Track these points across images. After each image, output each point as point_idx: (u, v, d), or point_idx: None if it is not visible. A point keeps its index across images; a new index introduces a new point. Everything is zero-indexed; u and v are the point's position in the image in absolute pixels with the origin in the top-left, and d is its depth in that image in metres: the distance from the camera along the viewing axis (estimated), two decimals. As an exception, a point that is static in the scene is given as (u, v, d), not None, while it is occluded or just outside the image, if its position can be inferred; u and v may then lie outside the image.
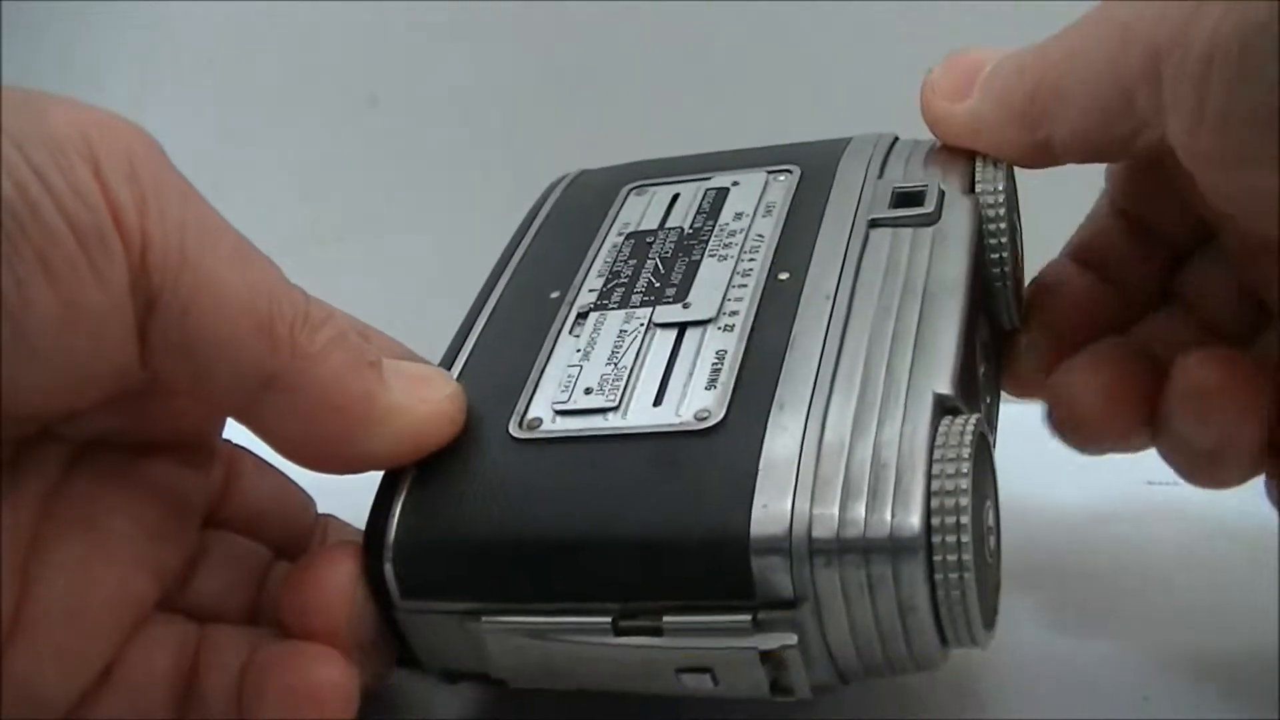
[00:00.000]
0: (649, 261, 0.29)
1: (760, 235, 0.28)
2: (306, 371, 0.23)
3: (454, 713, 0.28)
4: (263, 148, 0.64)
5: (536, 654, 0.24)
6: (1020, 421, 0.29)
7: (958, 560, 0.22)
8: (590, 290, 0.28)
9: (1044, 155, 0.28)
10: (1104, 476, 0.28)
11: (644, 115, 0.60)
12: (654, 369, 0.26)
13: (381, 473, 0.25)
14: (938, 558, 0.22)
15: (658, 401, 0.25)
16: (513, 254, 0.31)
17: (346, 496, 0.26)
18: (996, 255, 0.28)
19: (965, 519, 0.22)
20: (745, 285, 0.27)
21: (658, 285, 0.28)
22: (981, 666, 0.28)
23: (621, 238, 0.30)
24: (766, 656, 0.23)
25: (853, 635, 0.23)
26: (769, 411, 0.24)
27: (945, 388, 0.24)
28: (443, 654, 0.25)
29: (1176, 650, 0.29)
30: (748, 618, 0.22)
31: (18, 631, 0.23)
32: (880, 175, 0.30)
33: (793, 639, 0.22)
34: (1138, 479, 0.28)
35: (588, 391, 0.25)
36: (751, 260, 0.28)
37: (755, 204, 0.30)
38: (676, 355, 0.26)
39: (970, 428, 0.23)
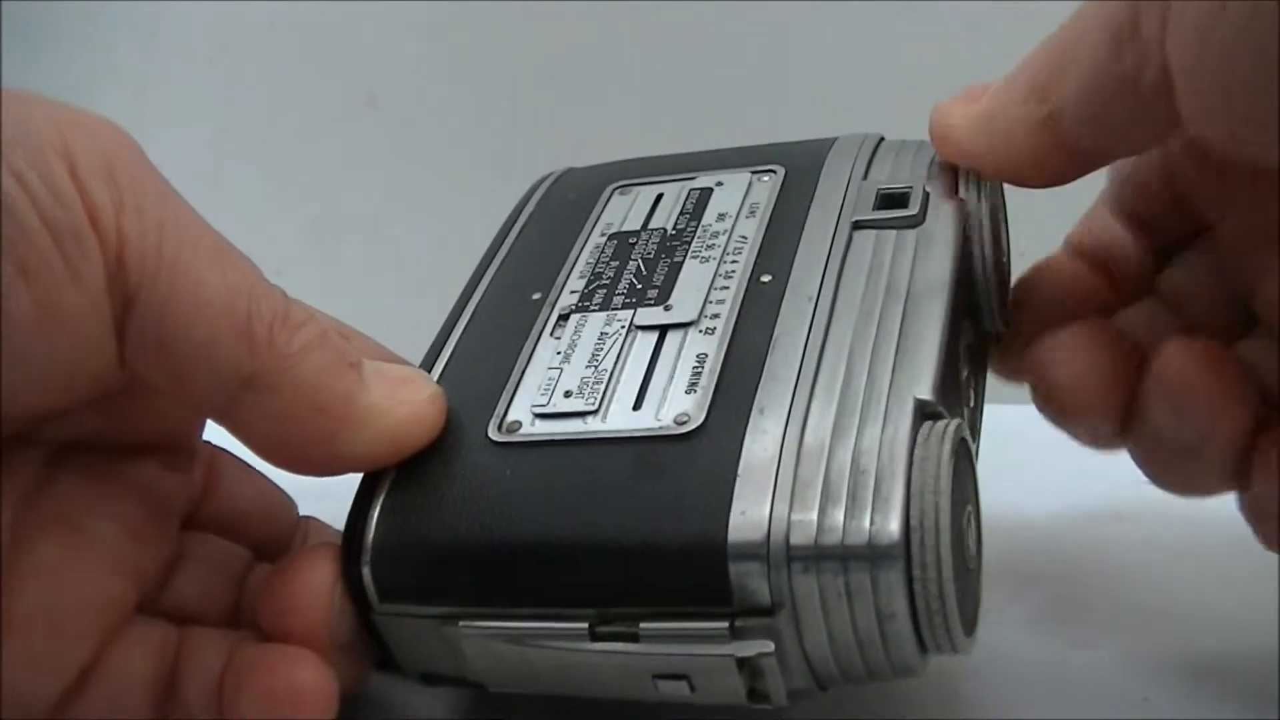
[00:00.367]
0: (631, 263, 0.28)
1: (743, 237, 0.28)
2: (285, 372, 0.23)
3: (434, 714, 0.28)
4: (262, 147, 0.64)
5: (514, 659, 0.24)
6: (1020, 422, 0.29)
7: (937, 568, 0.21)
8: (572, 291, 0.28)
9: (1053, 135, 0.26)
10: (1104, 476, 0.28)
11: (643, 114, 0.59)
12: (634, 372, 0.25)
13: (361, 475, 0.25)
14: (916, 565, 0.21)
15: (637, 405, 0.24)
16: (495, 253, 0.30)
17: (332, 499, 0.26)
18: (980, 258, 0.28)
19: (944, 526, 0.21)
20: (727, 288, 0.27)
21: (639, 287, 0.27)
22: (981, 667, 0.27)
23: (604, 238, 0.29)
24: (743, 664, 0.22)
25: (830, 642, 0.22)
26: (749, 416, 0.23)
27: (926, 393, 0.23)
28: (421, 657, 0.25)
29: (1176, 651, 0.28)
30: (725, 625, 0.22)
31: None
32: (865, 176, 0.29)
33: (770, 646, 0.22)
34: (1138, 479, 0.28)
35: (567, 395, 0.25)
36: (734, 262, 0.27)
37: (739, 205, 0.29)
38: (657, 358, 0.25)
39: (951, 433, 0.23)
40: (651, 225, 0.29)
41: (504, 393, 0.26)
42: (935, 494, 0.22)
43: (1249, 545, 0.26)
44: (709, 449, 0.23)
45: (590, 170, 0.33)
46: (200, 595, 0.26)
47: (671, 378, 0.25)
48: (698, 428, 0.24)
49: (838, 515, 0.22)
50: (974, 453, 0.25)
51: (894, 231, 0.27)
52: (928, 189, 0.28)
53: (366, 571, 0.24)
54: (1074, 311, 0.29)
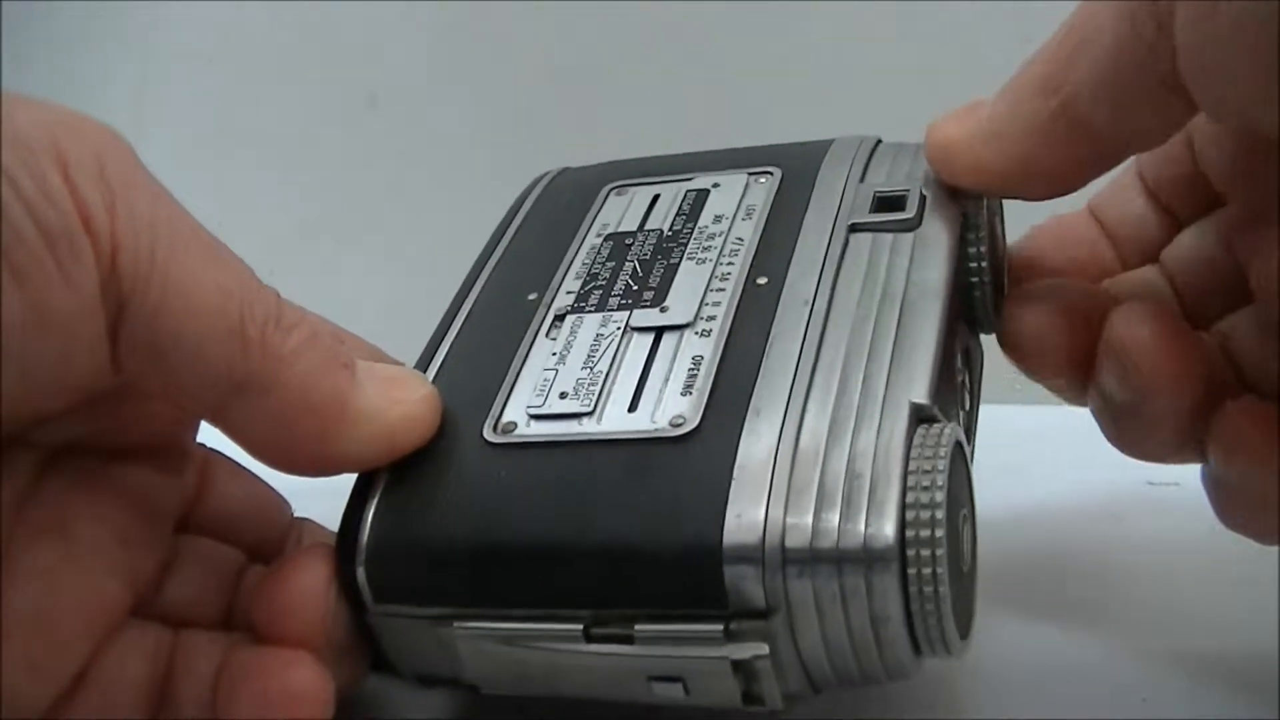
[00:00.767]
0: (627, 264, 0.28)
1: (740, 239, 0.28)
2: (279, 373, 0.22)
3: (429, 715, 0.27)
4: (262, 148, 0.64)
5: (508, 660, 0.24)
6: (1021, 422, 0.29)
7: (932, 572, 0.21)
8: (568, 292, 0.28)
9: (1068, 127, 0.25)
10: (1104, 476, 0.28)
11: (644, 115, 0.59)
12: (630, 374, 0.25)
13: (355, 475, 0.25)
14: (912, 569, 0.21)
15: (633, 407, 0.24)
16: (491, 253, 0.30)
17: (327, 500, 0.25)
18: (977, 262, 0.28)
19: (940, 530, 0.21)
20: (723, 289, 0.26)
21: (635, 288, 0.27)
22: (980, 668, 0.27)
23: (600, 239, 0.29)
24: (738, 666, 0.22)
25: (825, 645, 0.22)
26: (744, 418, 0.23)
27: (922, 397, 0.23)
28: (415, 658, 0.25)
29: (1176, 650, 0.28)
30: (719, 627, 0.22)
31: None
32: (862, 179, 0.29)
33: (765, 649, 0.22)
34: (1138, 479, 0.28)
35: (563, 396, 0.25)
36: (730, 264, 0.27)
37: (735, 207, 0.29)
38: (653, 360, 0.25)
39: (946, 437, 0.22)
40: (648, 226, 0.29)
41: (499, 394, 0.25)
42: (931, 498, 0.21)
43: (1249, 545, 0.26)
44: (704, 451, 0.23)
45: (586, 170, 0.33)
46: (194, 598, 0.26)
47: (667, 380, 0.25)
48: (693, 430, 0.23)
49: (833, 518, 0.21)
50: (970, 456, 0.25)
51: (890, 235, 0.27)
52: (924, 192, 0.27)
53: (361, 572, 0.24)
54: (1075, 269, 0.29)
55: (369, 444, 0.24)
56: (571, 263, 0.29)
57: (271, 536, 0.28)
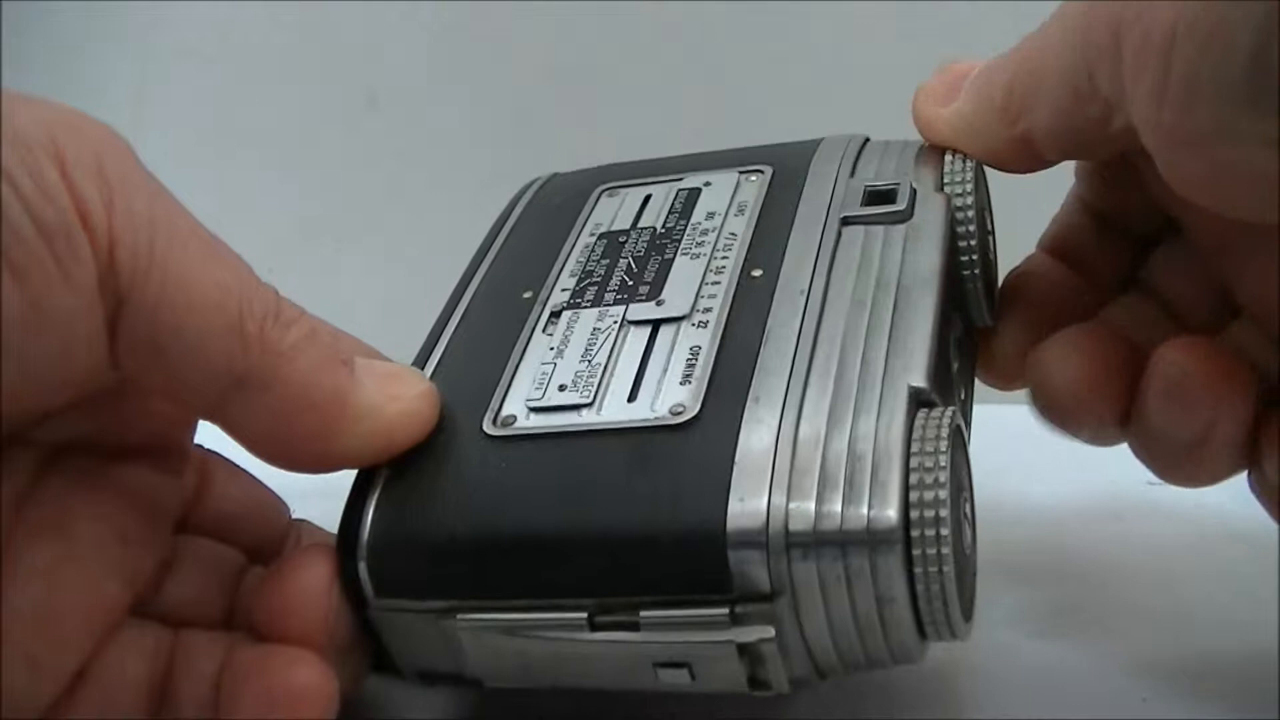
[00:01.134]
0: (622, 260, 0.28)
1: (733, 234, 0.28)
2: (278, 369, 0.22)
3: (431, 715, 0.27)
4: (262, 148, 0.64)
5: (512, 651, 0.23)
6: (1020, 421, 0.29)
7: (937, 553, 0.21)
8: (563, 289, 0.28)
9: (1027, 151, 0.27)
10: (1104, 476, 0.27)
11: (644, 116, 0.59)
12: (628, 365, 0.25)
13: (355, 472, 0.24)
14: (916, 550, 0.21)
15: (632, 397, 0.24)
16: (485, 255, 0.30)
17: (329, 499, 0.25)
18: (968, 251, 0.28)
19: (944, 511, 0.21)
20: (718, 283, 0.26)
21: (631, 284, 0.27)
22: (980, 667, 0.27)
23: (594, 238, 0.29)
24: (744, 650, 0.22)
25: (830, 628, 0.22)
26: (744, 405, 0.23)
27: (921, 381, 0.23)
28: (418, 654, 0.25)
29: (1175, 651, 0.28)
30: (725, 611, 0.22)
31: None
32: (852, 174, 0.29)
33: (770, 632, 0.22)
34: (1138, 479, 0.28)
35: (562, 388, 0.25)
36: (724, 258, 0.27)
37: (727, 203, 0.29)
38: (650, 351, 0.25)
39: (947, 420, 0.22)
40: (641, 224, 0.29)
41: (498, 388, 0.25)
42: (935, 480, 0.21)
43: (1249, 545, 0.26)
44: (705, 439, 0.23)
45: (577, 174, 0.33)
46: (194, 598, 0.26)
47: (666, 370, 0.24)
48: (693, 418, 0.23)
49: (836, 502, 0.21)
50: (967, 441, 0.24)
51: (882, 227, 0.27)
52: (914, 185, 0.27)
53: (362, 567, 0.24)
54: (1059, 313, 0.29)
55: (368, 440, 0.23)
56: (566, 261, 0.28)
57: (270, 538, 0.28)
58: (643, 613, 0.22)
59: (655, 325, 0.26)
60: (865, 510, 0.21)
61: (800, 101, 0.55)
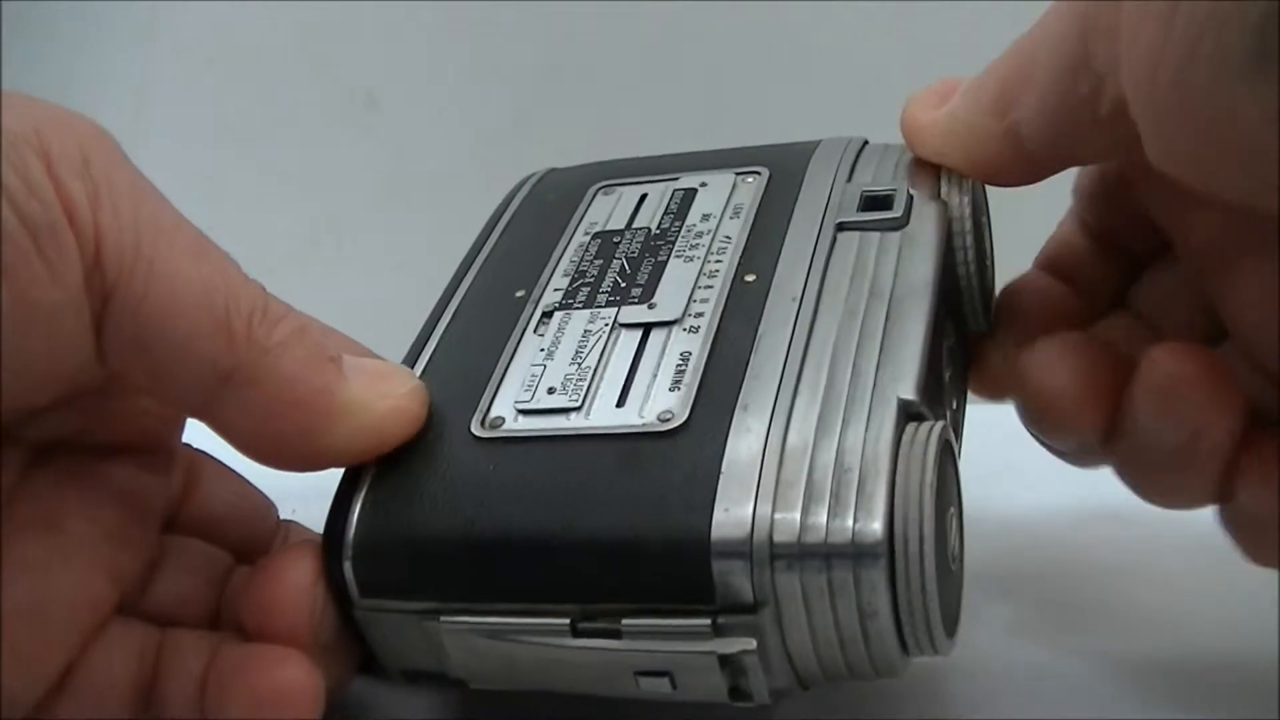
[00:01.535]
0: (615, 261, 0.28)
1: (727, 237, 0.27)
2: (265, 366, 0.22)
3: (415, 714, 0.27)
4: (262, 148, 0.63)
5: (495, 654, 0.23)
6: (1017, 422, 0.28)
7: (920, 568, 0.21)
8: (555, 289, 0.27)
9: (1015, 147, 0.26)
10: (1104, 476, 0.27)
11: (643, 115, 0.59)
12: (618, 369, 0.25)
13: (342, 471, 0.24)
14: (900, 565, 0.21)
15: (621, 402, 0.24)
16: (478, 253, 0.30)
17: (316, 503, 0.25)
18: (963, 260, 0.28)
19: (928, 526, 0.21)
20: (711, 287, 0.26)
21: (623, 285, 0.27)
22: (978, 668, 0.27)
23: (588, 237, 0.29)
24: (725, 661, 0.22)
25: (813, 641, 0.22)
26: (733, 413, 0.23)
27: (910, 393, 0.23)
28: (402, 654, 0.24)
29: (1175, 651, 0.28)
30: (707, 622, 0.21)
31: None
32: (849, 178, 0.29)
33: (752, 644, 0.21)
34: None
35: (551, 391, 0.24)
36: (718, 262, 0.27)
37: (723, 205, 0.29)
38: (641, 356, 0.25)
39: (935, 434, 0.22)
40: (635, 225, 0.29)
41: (487, 389, 0.25)
42: (920, 494, 0.21)
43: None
44: (693, 446, 0.22)
45: (573, 170, 0.32)
46: (181, 597, 0.25)
47: (655, 375, 0.24)
48: (681, 425, 0.23)
49: (821, 514, 0.21)
50: (957, 453, 0.24)
51: (878, 233, 0.26)
52: (911, 191, 0.27)
53: (348, 566, 0.23)
54: (1052, 325, 0.29)
55: (356, 438, 0.23)
56: (559, 260, 0.28)
57: (257, 538, 0.28)
58: (625, 621, 0.22)
59: (646, 329, 0.25)
60: (850, 523, 0.21)
61: (799, 101, 0.55)
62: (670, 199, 0.29)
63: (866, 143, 0.30)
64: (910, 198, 0.27)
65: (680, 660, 0.22)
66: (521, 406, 0.24)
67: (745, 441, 0.22)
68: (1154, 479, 0.26)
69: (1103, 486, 0.28)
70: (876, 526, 0.21)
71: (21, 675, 0.22)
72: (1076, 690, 0.27)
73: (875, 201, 0.27)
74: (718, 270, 0.26)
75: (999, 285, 0.31)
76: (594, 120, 0.59)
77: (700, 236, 0.28)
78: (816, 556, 0.21)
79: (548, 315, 0.26)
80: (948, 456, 0.23)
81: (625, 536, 0.22)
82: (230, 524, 0.27)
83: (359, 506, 0.24)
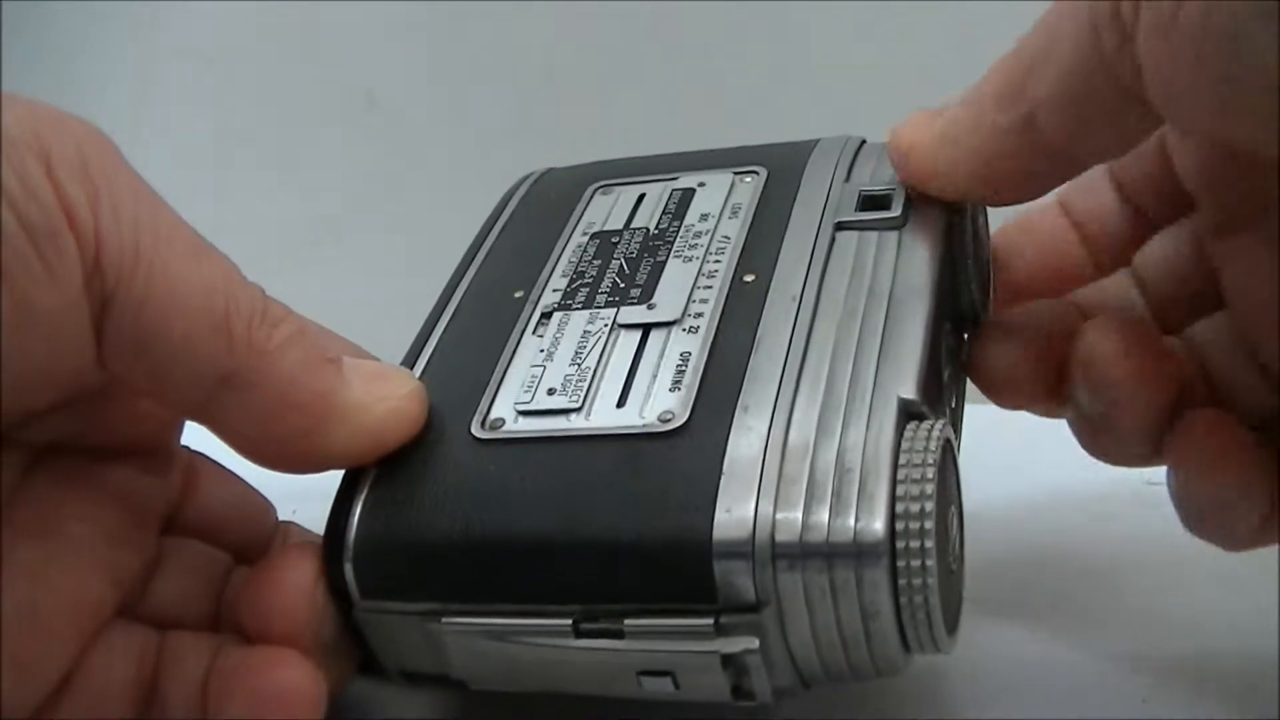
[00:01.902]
0: (614, 262, 0.27)
1: (726, 237, 0.27)
2: (264, 368, 0.22)
3: (416, 715, 0.27)
4: (262, 148, 0.63)
5: (496, 655, 0.23)
6: (1016, 419, 0.28)
7: (921, 566, 0.21)
8: (554, 290, 0.27)
9: (1028, 141, 0.24)
10: (1102, 475, 0.27)
11: (643, 115, 0.59)
12: (618, 370, 0.24)
13: (342, 472, 0.24)
14: (901, 564, 0.21)
15: (621, 403, 0.24)
16: (476, 253, 0.30)
17: (316, 504, 0.25)
18: (962, 260, 0.27)
19: (930, 525, 0.21)
20: (710, 287, 0.26)
21: (622, 286, 0.27)
22: (979, 668, 0.27)
23: (586, 237, 0.29)
24: (728, 660, 0.22)
25: (815, 640, 0.22)
26: (733, 414, 0.23)
27: (910, 392, 0.23)
28: (403, 655, 0.24)
29: (1175, 651, 0.28)
30: (709, 621, 0.21)
31: None
32: (847, 178, 0.28)
33: (754, 643, 0.21)
34: (1136, 478, 0.28)
35: (551, 392, 0.24)
36: (717, 262, 0.27)
37: (721, 205, 0.28)
38: (641, 356, 0.25)
39: (936, 433, 0.22)
40: (634, 225, 0.29)
41: (487, 390, 0.25)
42: (921, 493, 0.21)
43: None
44: (693, 446, 0.22)
45: (571, 170, 0.32)
46: (180, 599, 0.25)
47: (655, 375, 0.24)
48: (682, 425, 0.23)
49: (823, 513, 0.21)
50: (958, 451, 0.24)
51: (876, 233, 0.26)
52: (909, 191, 0.27)
53: (349, 568, 0.23)
54: (1050, 278, 0.29)
55: (356, 440, 0.23)
56: (558, 261, 0.28)
57: (256, 539, 0.27)
58: (627, 621, 0.22)
59: (646, 329, 0.25)
60: (852, 522, 0.21)
61: (796, 100, 0.55)
62: (668, 199, 0.29)
63: (864, 142, 0.30)
64: (908, 197, 0.27)
65: (683, 660, 0.22)
66: (522, 407, 0.24)
67: (746, 441, 0.22)
68: (1091, 438, 0.27)
69: (1103, 486, 0.28)
70: (878, 526, 0.21)
71: (21, 680, 0.22)
72: (1077, 690, 0.27)
73: (873, 201, 0.27)
74: (717, 270, 0.26)
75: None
76: (593, 120, 0.59)
77: (699, 236, 0.27)
78: (818, 556, 0.21)
79: (547, 316, 0.26)
80: (948, 455, 0.22)
81: (627, 537, 0.22)
82: (229, 525, 0.27)
83: (360, 508, 0.23)
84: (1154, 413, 0.25)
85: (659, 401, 0.23)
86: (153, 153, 0.22)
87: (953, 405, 0.27)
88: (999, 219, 0.30)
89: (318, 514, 0.24)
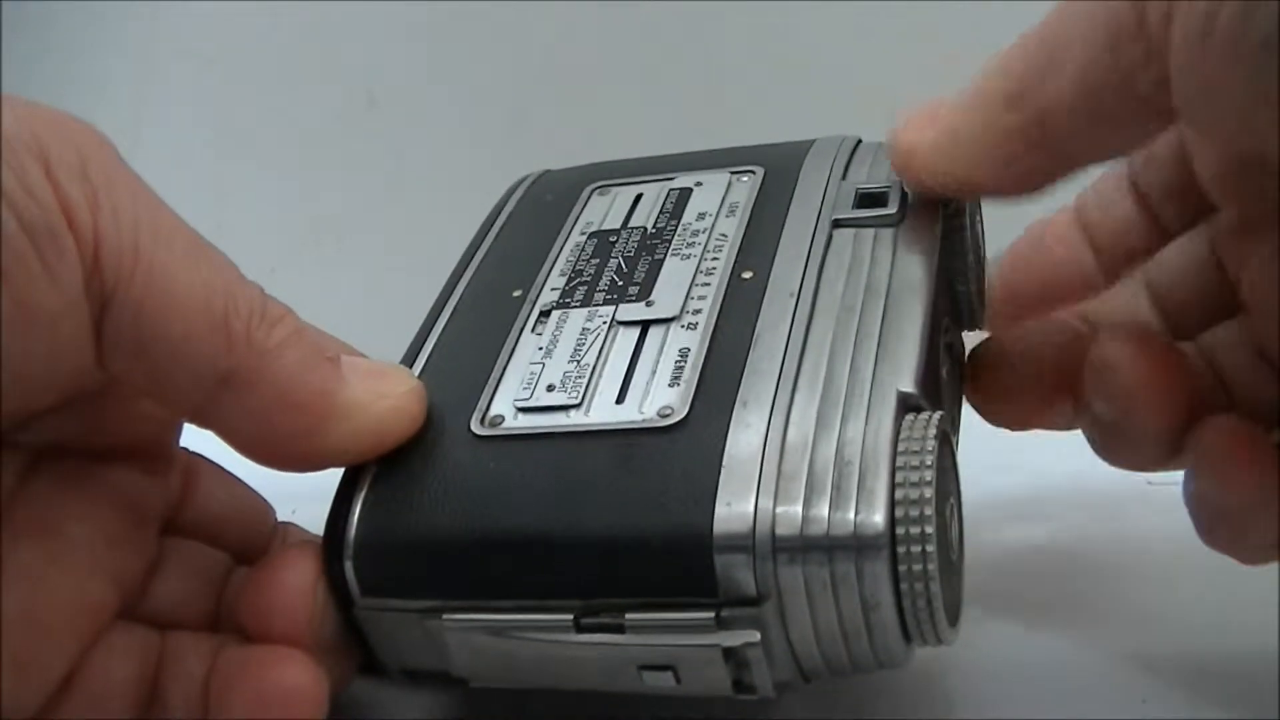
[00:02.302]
0: (612, 260, 0.27)
1: (723, 235, 0.27)
2: (263, 367, 0.22)
3: (417, 714, 0.27)
4: (262, 148, 0.63)
5: (497, 652, 0.23)
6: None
7: (922, 558, 0.21)
8: (553, 289, 0.27)
9: (1035, 139, 0.24)
10: (1104, 476, 0.27)
11: (643, 115, 0.58)
12: (617, 366, 0.24)
13: (342, 471, 0.24)
14: (902, 555, 0.21)
15: (620, 399, 0.24)
16: (474, 253, 0.30)
17: (317, 505, 0.25)
18: (959, 257, 0.27)
19: (930, 517, 0.21)
20: (708, 284, 0.26)
21: (620, 284, 0.27)
22: (979, 668, 0.27)
23: (584, 237, 0.29)
24: (729, 654, 0.22)
25: (816, 633, 0.22)
26: (732, 408, 0.23)
27: (908, 385, 0.23)
28: (403, 653, 0.24)
29: (1175, 651, 0.28)
30: (710, 615, 0.21)
31: None
32: (844, 177, 0.28)
33: (755, 636, 0.21)
34: (1138, 479, 0.28)
35: (550, 388, 0.24)
36: (715, 259, 0.27)
37: (719, 204, 0.28)
38: (639, 353, 0.25)
39: (934, 425, 0.22)
40: (631, 224, 0.29)
41: (486, 387, 0.25)
42: (920, 484, 0.21)
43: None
44: (693, 441, 0.22)
45: (568, 172, 0.32)
46: (181, 600, 0.25)
47: (654, 371, 0.24)
48: (681, 420, 0.23)
49: (823, 506, 0.21)
50: (955, 447, 0.24)
51: (873, 230, 0.26)
52: (906, 189, 0.27)
53: (349, 566, 0.23)
54: (1057, 281, 0.29)
55: (355, 438, 0.23)
56: (556, 260, 0.28)
57: (256, 540, 0.27)
58: (628, 615, 0.22)
59: (644, 326, 0.25)
60: (852, 515, 0.21)
61: (793, 101, 0.55)
62: (666, 198, 0.29)
63: (860, 141, 0.30)
64: (905, 195, 0.27)
65: (684, 654, 0.22)
66: (521, 404, 0.24)
67: (745, 436, 0.22)
68: (1105, 444, 0.27)
69: (1103, 486, 0.28)
70: (878, 519, 0.21)
71: (22, 681, 0.22)
72: (1077, 689, 0.27)
73: (870, 199, 0.27)
74: (714, 268, 0.26)
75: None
76: (592, 121, 0.59)
77: (696, 235, 0.27)
78: (819, 549, 0.21)
79: (545, 314, 0.26)
80: (946, 447, 0.22)
81: (627, 532, 0.22)
82: (228, 526, 0.27)
83: (360, 506, 0.23)
84: (1168, 417, 0.25)
85: (658, 397, 0.23)
86: (153, 153, 0.22)
87: (951, 403, 0.27)
88: (998, 218, 0.30)
89: (317, 514, 0.24)
